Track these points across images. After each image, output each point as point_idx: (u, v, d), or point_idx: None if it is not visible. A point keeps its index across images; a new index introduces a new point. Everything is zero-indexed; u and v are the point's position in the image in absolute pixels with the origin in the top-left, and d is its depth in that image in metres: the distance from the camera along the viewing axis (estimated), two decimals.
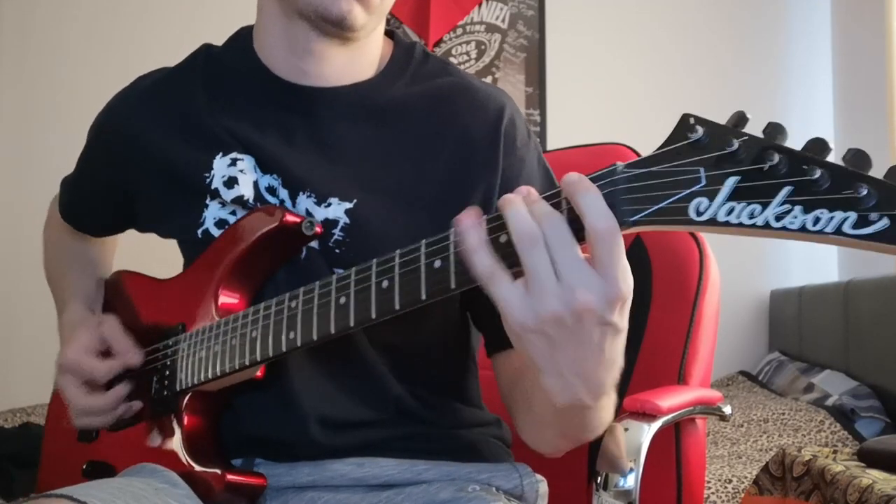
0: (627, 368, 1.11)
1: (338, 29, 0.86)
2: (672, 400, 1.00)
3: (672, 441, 1.05)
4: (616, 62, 3.36)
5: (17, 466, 2.18)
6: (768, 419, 2.45)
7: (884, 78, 2.87)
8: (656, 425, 0.95)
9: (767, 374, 3.03)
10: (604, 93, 3.33)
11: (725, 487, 2.00)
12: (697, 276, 1.13)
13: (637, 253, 1.17)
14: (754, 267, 3.29)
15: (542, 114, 3.36)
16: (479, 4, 3.40)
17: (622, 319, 0.60)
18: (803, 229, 0.49)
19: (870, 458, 1.56)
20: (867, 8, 3.05)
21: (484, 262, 0.60)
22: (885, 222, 0.47)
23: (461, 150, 0.88)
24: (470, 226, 0.60)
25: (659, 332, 1.13)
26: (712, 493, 1.98)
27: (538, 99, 3.37)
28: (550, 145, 3.32)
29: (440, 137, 0.89)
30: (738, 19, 3.42)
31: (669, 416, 0.98)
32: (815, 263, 3.25)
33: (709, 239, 1.17)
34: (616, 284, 0.57)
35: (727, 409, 1.09)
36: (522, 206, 0.59)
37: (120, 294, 1.05)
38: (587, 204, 0.56)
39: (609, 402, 0.69)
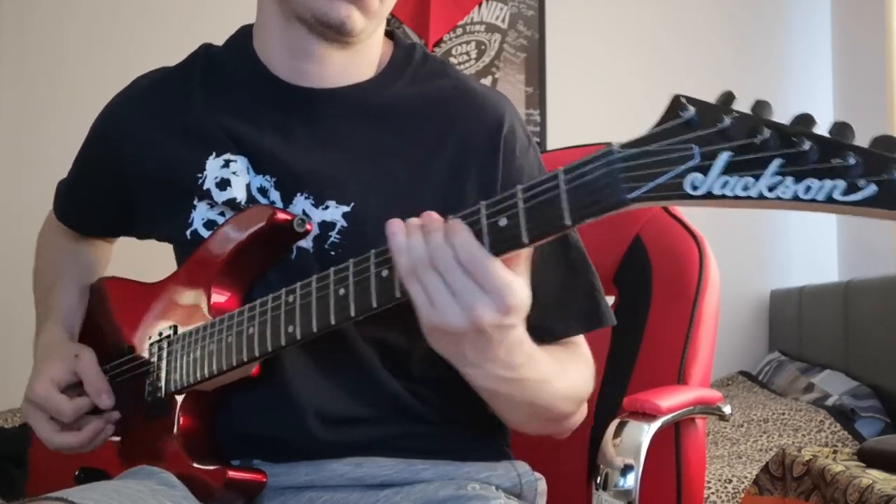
0: (627, 368, 1.13)
1: (336, 34, 0.86)
2: (672, 400, 0.99)
3: (672, 441, 1.05)
4: (616, 62, 3.36)
5: (17, 466, 2.18)
6: (768, 419, 2.45)
7: (884, 78, 2.87)
8: (656, 425, 0.95)
9: (767, 374, 3.02)
10: (604, 93, 3.32)
11: (725, 487, 2.00)
12: (697, 276, 1.13)
13: (637, 253, 1.17)
14: (754, 267, 3.29)
15: (542, 114, 3.36)
16: (479, 4, 3.40)
17: (517, 319, 0.68)
18: (795, 198, 0.51)
19: (870, 458, 1.56)
20: (867, 8, 3.05)
21: (405, 264, 0.68)
22: (873, 188, 0.48)
23: (460, 154, 0.88)
24: (394, 231, 0.68)
25: (659, 332, 1.13)
26: (712, 493, 1.98)
27: (538, 99, 3.36)
28: (550, 145, 3.32)
29: (439, 140, 0.89)
30: (738, 19, 3.42)
31: (669, 416, 0.97)
32: (815, 263, 3.25)
33: (709, 239, 1.16)
34: (504, 300, 0.65)
35: (727, 409, 1.09)
36: (418, 235, 0.67)
37: (107, 301, 1.04)
38: (455, 240, 0.66)
39: (545, 373, 0.77)
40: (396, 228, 0.68)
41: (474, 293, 0.65)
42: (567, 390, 0.83)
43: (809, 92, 3.35)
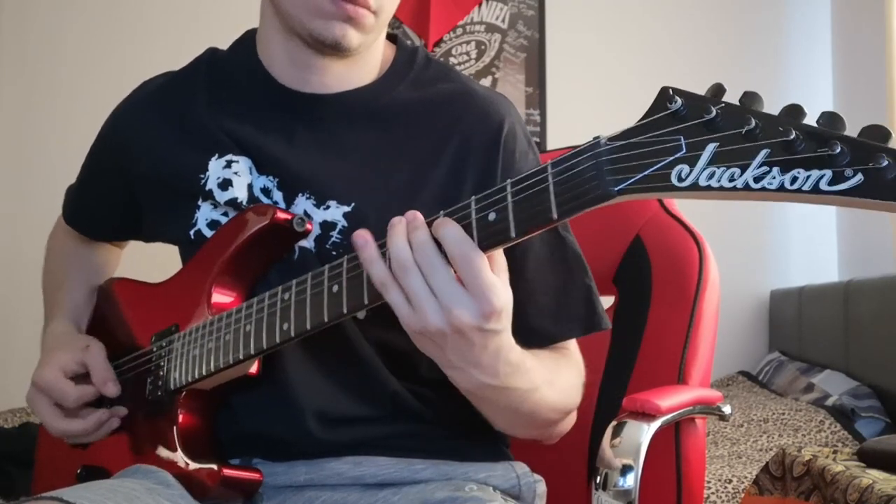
0: (627, 368, 1.13)
1: (333, 51, 0.87)
2: (672, 400, 0.99)
3: (672, 441, 1.05)
4: (616, 62, 3.36)
5: (17, 466, 2.18)
6: (768, 419, 2.45)
7: (884, 78, 2.87)
8: (656, 425, 0.95)
9: (767, 374, 3.02)
10: (604, 93, 3.32)
11: (725, 487, 2.00)
12: (697, 276, 1.13)
13: (637, 253, 1.17)
14: (754, 267, 3.29)
15: (542, 114, 3.36)
16: (479, 4, 3.40)
17: (499, 324, 0.67)
18: (782, 188, 0.50)
19: (870, 458, 1.56)
20: (867, 8, 3.05)
21: (378, 273, 0.67)
22: (859, 177, 0.48)
23: (460, 156, 0.89)
24: (364, 242, 0.68)
25: (659, 332, 1.13)
26: (712, 493, 1.98)
27: (538, 99, 3.36)
28: (550, 145, 3.33)
29: (440, 142, 0.89)
30: (738, 19, 3.42)
31: (669, 416, 0.97)
32: (815, 263, 3.25)
33: (709, 239, 1.16)
34: (487, 302, 0.65)
35: (727, 409, 1.09)
36: (402, 235, 0.67)
37: (112, 300, 1.05)
38: (444, 235, 0.65)
39: (534, 382, 0.76)
40: (363, 240, 0.68)
41: (455, 293, 0.65)
42: (555, 401, 0.82)
43: (809, 92, 3.35)
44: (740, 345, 3.27)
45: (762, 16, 3.42)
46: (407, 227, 0.67)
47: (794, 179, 0.50)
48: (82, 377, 0.95)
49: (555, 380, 0.81)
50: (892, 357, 2.37)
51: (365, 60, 0.93)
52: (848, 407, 2.41)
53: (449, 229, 0.65)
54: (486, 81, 3.32)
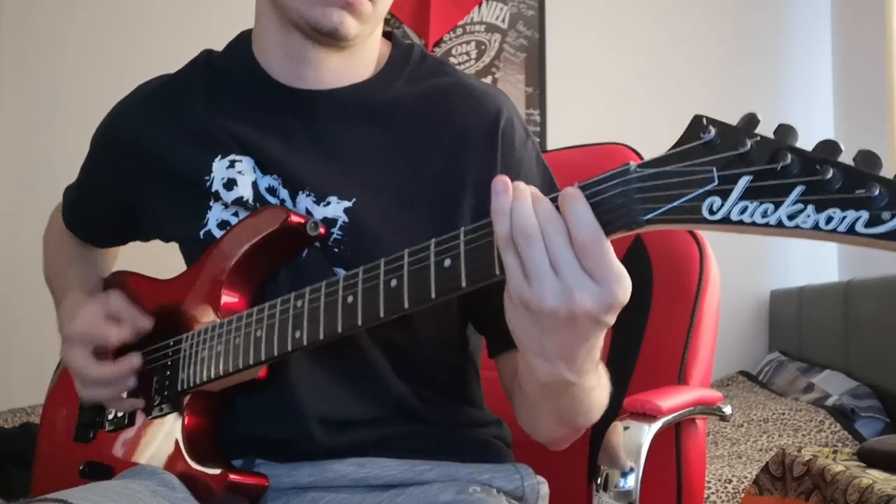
0: (627, 368, 1.13)
1: (330, 39, 0.87)
2: (672, 400, 0.99)
3: (672, 441, 1.05)
4: (616, 62, 3.36)
5: (17, 466, 2.18)
6: (768, 419, 2.45)
7: (884, 78, 2.87)
8: (656, 425, 0.95)
9: (767, 374, 3.03)
10: (604, 93, 3.32)
11: (725, 487, 2.00)
12: (697, 276, 1.13)
13: (637, 253, 1.17)
14: (754, 267, 3.29)
15: (542, 114, 3.36)
16: (479, 4, 3.40)
17: (612, 318, 0.62)
18: (816, 228, 0.49)
19: (870, 458, 1.56)
20: (867, 8, 3.05)
21: (504, 228, 0.61)
22: None
23: (458, 149, 0.89)
24: (502, 189, 0.61)
25: (659, 332, 1.13)
26: (712, 493, 1.98)
27: (538, 99, 3.36)
28: (550, 145, 3.32)
29: (437, 136, 0.89)
30: (738, 19, 3.42)
31: (670, 417, 0.98)
32: (815, 263, 3.25)
33: (709, 239, 1.16)
34: (613, 292, 0.59)
35: (727, 409, 1.09)
36: (528, 201, 0.61)
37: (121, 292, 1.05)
38: (574, 213, 0.59)
39: (596, 381, 0.73)
40: (502, 187, 0.61)
41: (581, 276, 0.59)
42: (603, 400, 0.79)
43: (809, 92, 3.35)
44: (740, 345, 3.27)
45: (762, 16, 3.42)
46: (531, 196, 0.61)
47: (830, 220, 0.48)
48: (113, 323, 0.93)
49: (602, 377, 0.78)
50: (892, 357, 2.37)
51: (361, 55, 0.93)
52: (848, 407, 2.41)
53: (580, 207, 0.59)
54: (485, 81, 3.31)
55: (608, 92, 3.32)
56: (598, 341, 0.66)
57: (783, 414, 2.44)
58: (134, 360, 0.91)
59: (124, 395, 0.93)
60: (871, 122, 2.95)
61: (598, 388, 0.75)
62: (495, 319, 0.69)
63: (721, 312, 1.17)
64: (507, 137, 0.90)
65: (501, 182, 0.62)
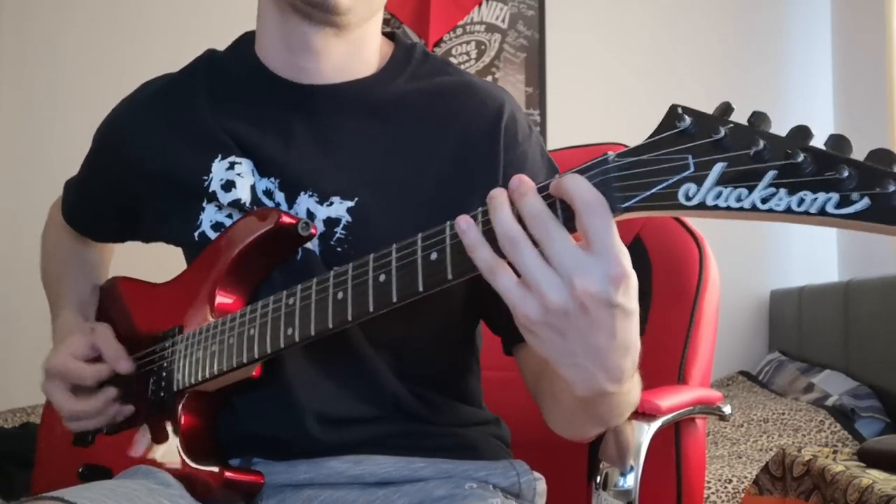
0: None
1: (325, 13, 0.86)
2: (672, 400, 1.00)
3: (672, 441, 1.05)
4: (616, 62, 3.36)
5: (17, 466, 2.18)
6: (768, 419, 2.45)
7: (884, 78, 2.87)
8: (656, 425, 0.95)
9: (767, 374, 3.03)
10: (604, 93, 3.33)
11: (725, 487, 2.00)
12: (697, 276, 1.13)
13: (637, 253, 1.17)
14: (754, 267, 3.29)
15: (542, 114, 3.36)
16: (479, 4, 3.40)
17: (629, 300, 0.58)
18: (789, 210, 0.51)
19: (870, 458, 1.56)
20: (867, 8, 3.05)
21: (485, 258, 0.60)
22: (866, 202, 0.48)
23: (462, 146, 0.89)
24: (467, 225, 0.61)
25: (659, 332, 1.13)
26: (712, 493, 1.98)
27: (538, 99, 3.37)
28: (550, 145, 3.30)
29: (441, 134, 0.89)
30: (738, 20, 3.42)
31: (669, 416, 0.98)
32: (815, 263, 3.25)
33: (709, 239, 1.16)
34: (615, 260, 0.56)
35: (727, 409, 1.09)
36: (505, 208, 0.59)
37: (115, 299, 1.05)
38: (573, 185, 0.57)
39: (633, 385, 0.70)
40: (466, 224, 0.60)
41: (577, 257, 0.57)
42: (637, 400, 0.75)
43: (809, 92, 3.35)
44: (740, 345, 3.27)
45: (762, 16, 3.42)
46: (512, 196, 0.59)
47: (801, 202, 0.50)
48: (93, 362, 0.95)
49: (636, 376, 0.72)
50: (892, 357, 2.37)
51: (361, 49, 0.93)
52: (848, 407, 2.41)
53: (578, 180, 0.57)
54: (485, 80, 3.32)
55: (608, 92, 3.32)
56: (630, 338, 0.61)
57: (783, 414, 2.44)
58: (110, 392, 0.92)
59: (112, 414, 0.93)
60: (871, 122, 2.95)
61: (633, 388, 0.72)
62: (508, 316, 0.68)
63: (721, 312, 1.17)
64: (509, 132, 0.89)
65: (463, 221, 0.61)
